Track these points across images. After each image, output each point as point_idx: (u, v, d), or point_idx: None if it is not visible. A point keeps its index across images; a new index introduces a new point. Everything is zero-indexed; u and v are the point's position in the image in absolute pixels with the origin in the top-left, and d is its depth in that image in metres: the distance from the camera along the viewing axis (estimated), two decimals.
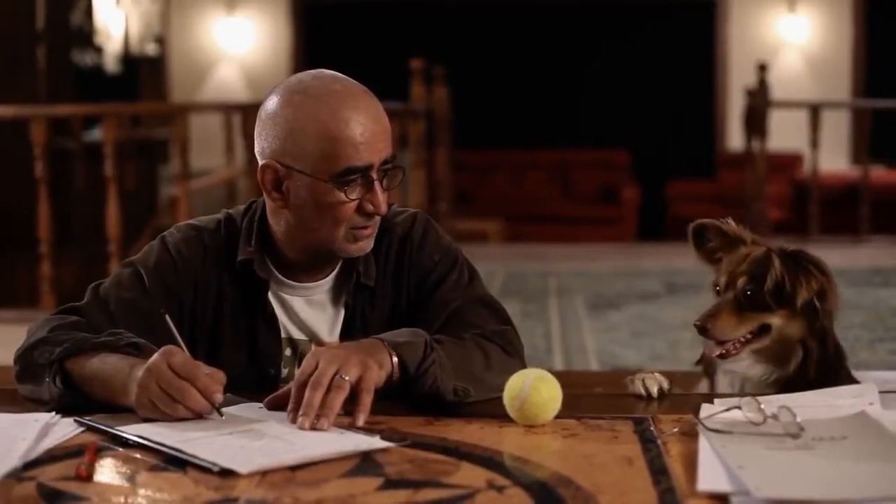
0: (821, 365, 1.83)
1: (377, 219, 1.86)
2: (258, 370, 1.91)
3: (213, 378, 1.64)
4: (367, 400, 1.63)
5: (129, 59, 10.19)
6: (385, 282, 1.94)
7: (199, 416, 1.62)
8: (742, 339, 1.84)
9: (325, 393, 1.60)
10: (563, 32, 11.23)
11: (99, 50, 9.73)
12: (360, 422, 1.61)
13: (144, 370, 1.64)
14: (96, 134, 7.65)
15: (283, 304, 1.93)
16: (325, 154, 1.78)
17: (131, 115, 8.89)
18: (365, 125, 1.79)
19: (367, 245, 1.88)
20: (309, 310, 1.93)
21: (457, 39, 10.99)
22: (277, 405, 1.68)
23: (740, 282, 1.84)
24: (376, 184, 1.81)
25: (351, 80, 1.86)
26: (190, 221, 1.99)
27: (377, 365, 1.67)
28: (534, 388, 1.62)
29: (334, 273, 1.93)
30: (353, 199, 1.80)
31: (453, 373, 1.73)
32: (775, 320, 1.83)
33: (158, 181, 8.77)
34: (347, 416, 1.61)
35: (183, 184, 6.51)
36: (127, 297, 1.89)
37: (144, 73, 10.83)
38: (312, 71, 1.88)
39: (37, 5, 7.36)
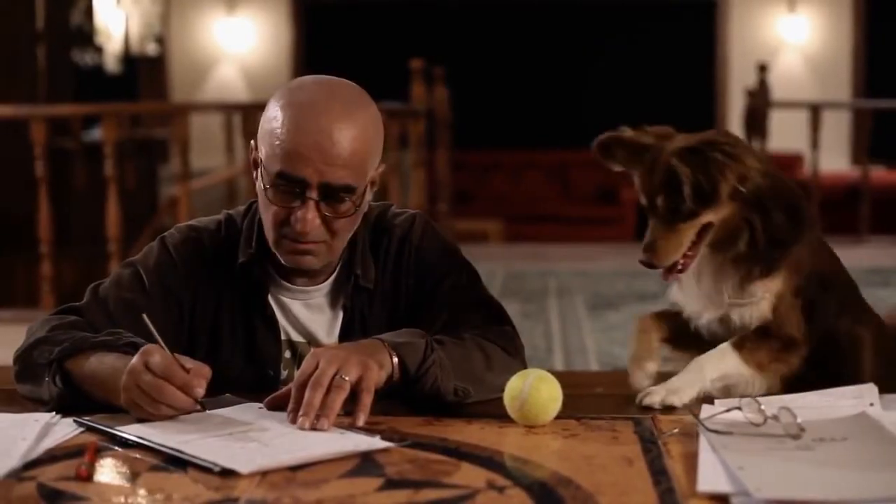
0: (770, 233, 1.76)
1: (316, 238, 1.79)
2: (257, 371, 1.91)
3: (197, 372, 1.62)
4: (367, 400, 1.63)
5: (130, 59, 10.20)
6: (384, 283, 1.93)
7: (183, 412, 1.62)
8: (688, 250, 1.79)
9: (326, 393, 1.60)
10: (563, 32, 11.23)
11: (99, 50, 9.75)
12: (361, 422, 1.61)
13: (126, 372, 1.64)
14: (96, 134, 7.66)
15: (282, 306, 1.93)
16: (272, 151, 1.77)
17: (131, 114, 8.90)
18: (317, 140, 1.73)
19: (306, 262, 1.82)
20: (307, 312, 1.93)
21: (457, 40, 11.00)
22: (277, 405, 1.68)
23: (659, 200, 1.78)
24: (309, 202, 1.75)
25: (348, 97, 1.80)
26: (190, 222, 1.99)
27: (377, 365, 1.67)
28: (534, 389, 1.62)
29: (333, 276, 1.93)
30: (279, 207, 1.77)
31: (454, 373, 1.73)
32: (709, 217, 1.76)
33: (158, 181, 8.78)
34: (348, 417, 1.61)
35: (183, 184, 6.51)
36: (126, 297, 1.89)
37: (144, 72, 10.84)
38: (325, 76, 1.85)
39: (37, 5, 7.36)
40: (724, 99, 11.02)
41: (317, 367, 1.62)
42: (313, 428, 1.58)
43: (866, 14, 10.87)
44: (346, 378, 1.61)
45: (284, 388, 1.68)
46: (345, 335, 1.90)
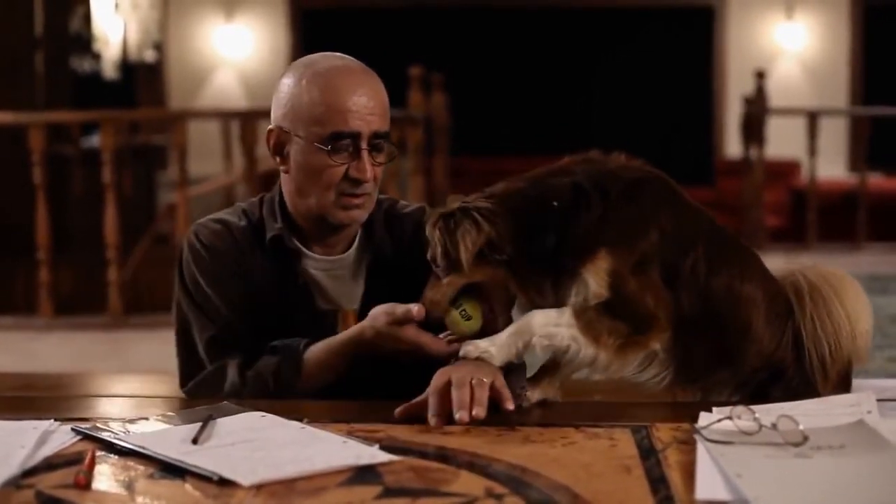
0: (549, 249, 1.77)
1: (367, 189, 1.95)
2: (291, 338, 1.98)
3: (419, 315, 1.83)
4: (506, 393, 1.72)
5: (128, 66, 10.19)
6: (401, 259, 2.04)
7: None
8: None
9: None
10: (562, 39, 11.24)
11: (97, 56, 9.74)
12: (512, 406, 1.71)
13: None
14: (94, 140, 7.66)
15: (309, 276, 2.03)
16: (317, 119, 1.93)
17: (129, 121, 8.90)
18: (357, 95, 1.94)
19: (358, 215, 1.99)
20: (333, 282, 2.04)
21: (455, 46, 11.00)
22: (409, 416, 1.71)
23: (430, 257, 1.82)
24: (363, 152, 1.94)
25: (356, 61, 2.01)
26: (210, 217, 2.08)
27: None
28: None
29: (353, 248, 2.05)
30: (340, 164, 1.93)
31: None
32: (471, 277, 1.79)
33: (156, 187, 8.79)
34: (347, 425, 1.63)
35: (181, 190, 6.50)
36: (218, 316, 1.99)
37: (142, 79, 10.83)
38: (324, 52, 2.02)
39: (35, 12, 7.38)
40: (722, 106, 11.03)
41: (448, 380, 1.70)
42: (470, 420, 1.65)
43: (864, 21, 10.87)
44: (484, 379, 1.70)
45: (416, 400, 1.73)
46: (368, 303, 1.98)
